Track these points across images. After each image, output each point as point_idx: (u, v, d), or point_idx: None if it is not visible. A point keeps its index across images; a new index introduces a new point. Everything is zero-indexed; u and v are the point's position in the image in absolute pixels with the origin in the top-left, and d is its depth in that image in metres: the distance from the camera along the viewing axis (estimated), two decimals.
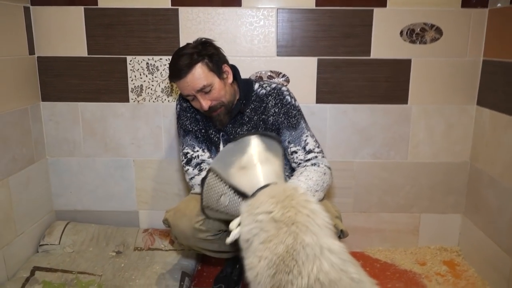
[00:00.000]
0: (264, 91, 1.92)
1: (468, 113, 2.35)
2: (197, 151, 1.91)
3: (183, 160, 1.92)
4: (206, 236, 1.79)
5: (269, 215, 1.35)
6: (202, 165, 1.88)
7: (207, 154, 1.92)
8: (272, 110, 1.88)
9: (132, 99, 2.37)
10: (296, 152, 1.84)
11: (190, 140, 1.92)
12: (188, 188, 2.22)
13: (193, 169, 1.88)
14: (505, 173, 2.04)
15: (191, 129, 1.93)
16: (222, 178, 1.54)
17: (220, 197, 1.56)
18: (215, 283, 2.09)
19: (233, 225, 1.51)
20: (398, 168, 2.43)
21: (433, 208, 2.47)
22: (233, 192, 1.53)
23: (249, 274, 1.34)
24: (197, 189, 1.88)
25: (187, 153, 1.91)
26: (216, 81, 1.78)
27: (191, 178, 1.89)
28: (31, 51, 2.28)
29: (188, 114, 1.94)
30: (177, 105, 1.98)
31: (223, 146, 1.94)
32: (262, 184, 1.46)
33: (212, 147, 1.96)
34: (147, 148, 2.44)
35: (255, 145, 1.57)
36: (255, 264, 1.32)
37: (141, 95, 2.36)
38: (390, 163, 2.42)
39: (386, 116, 2.36)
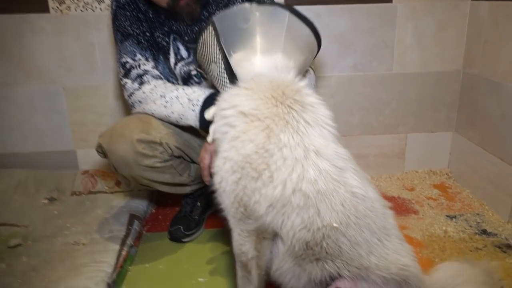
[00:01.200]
0: None
1: (461, 10, 2.00)
2: (139, 59, 1.47)
3: (120, 72, 1.49)
4: (153, 163, 1.40)
5: (235, 108, 1.04)
6: (144, 77, 1.45)
7: (151, 63, 1.49)
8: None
9: (52, 8, 1.87)
10: None
11: (130, 46, 1.48)
12: None
13: (133, 82, 1.45)
14: (509, 72, 1.72)
15: (131, 31, 1.48)
16: (221, 43, 1.17)
17: (211, 63, 1.21)
18: (172, 225, 1.72)
19: (208, 114, 1.21)
20: (382, 81, 2.08)
21: (422, 126, 2.17)
22: (223, 68, 1.17)
23: (214, 180, 1.07)
24: (139, 108, 1.46)
25: (126, 62, 1.47)
26: None
27: (131, 95, 1.46)
28: None
29: (128, 13, 1.48)
30: (112, 1, 1.51)
31: (175, 53, 1.52)
32: (253, 74, 1.11)
33: (160, 55, 1.53)
34: (79, 71, 1.97)
35: (284, 26, 1.17)
36: (220, 167, 1.04)
37: (64, 3, 1.86)
38: (373, 76, 2.07)
39: (368, 19, 1.98)
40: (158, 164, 1.41)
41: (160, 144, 1.40)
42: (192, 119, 1.36)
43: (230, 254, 1.57)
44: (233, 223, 1.09)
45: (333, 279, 1.04)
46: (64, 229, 1.64)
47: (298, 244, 1.01)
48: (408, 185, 2.12)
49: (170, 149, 1.43)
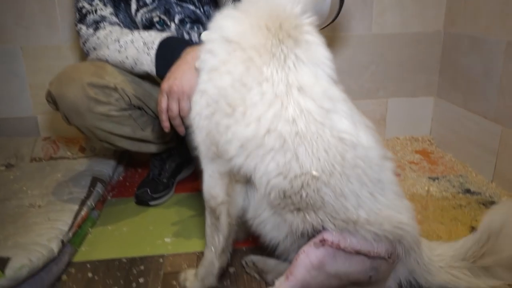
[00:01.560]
0: None
1: None
2: (96, 4, 1.35)
3: (76, 18, 1.37)
4: (108, 111, 1.28)
5: (219, 32, 0.93)
6: (100, 23, 1.33)
7: (110, 9, 1.37)
8: None
9: None
10: None
11: None
12: None
13: (88, 28, 1.33)
14: (491, 26, 1.65)
15: None
16: None
17: None
18: (139, 188, 1.61)
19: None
20: (361, 42, 2.00)
21: (402, 91, 2.09)
22: None
23: (190, 116, 0.99)
24: (92, 55, 1.34)
25: (82, 7, 1.34)
26: None
27: (85, 41, 1.34)
28: None
29: None
30: None
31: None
32: None
33: (120, 1, 1.40)
34: (38, 29, 1.83)
35: None
36: (196, 102, 0.96)
37: None
38: (351, 37, 1.98)
39: None
40: (114, 113, 1.29)
41: (115, 90, 1.28)
42: (147, 64, 1.24)
43: (200, 217, 1.47)
44: (204, 163, 0.99)
45: (317, 232, 0.94)
46: (20, 192, 1.51)
47: (274, 192, 0.91)
48: (390, 151, 2.04)
49: (128, 96, 1.31)
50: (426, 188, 1.65)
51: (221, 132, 0.90)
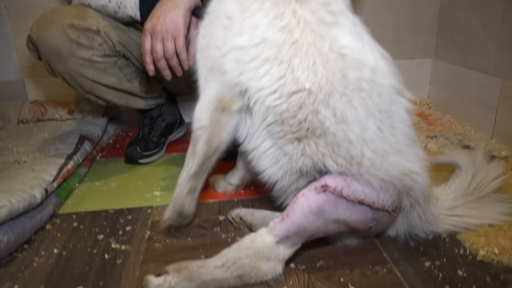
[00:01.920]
0: None
1: None
2: None
3: None
4: (91, 56, 1.23)
5: None
6: None
7: None
8: None
9: None
10: None
11: None
12: None
13: None
14: None
15: None
16: None
17: None
18: (128, 146, 1.56)
19: None
20: (356, 2, 1.93)
21: (399, 53, 2.04)
22: None
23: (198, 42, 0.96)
24: (75, 1, 1.29)
25: None
26: None
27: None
28: None
29: None
30: None
31: None
32: None
33: None
34: None
35: None
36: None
37: None
38: None
39: None
40: (98, 59, 1.24)
41: (98, 33, 1.23)
42: (131, 8, 1.19)
43: None
44: (201, 88, 0.96)
45: (318, 172, 0.88)
46: (5, 149, 1.46)
47: (270, 116, 0.86)
48: None
49: (112, 42, 1.26)
50: (424, 144, 1.61)
51: (218, 45, 0.87)
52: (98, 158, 1.58)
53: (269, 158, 0.93)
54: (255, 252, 0.86)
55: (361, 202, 0.85)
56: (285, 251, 0.88)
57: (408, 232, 1.03)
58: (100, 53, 1.24)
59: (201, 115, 0.95)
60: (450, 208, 1.05)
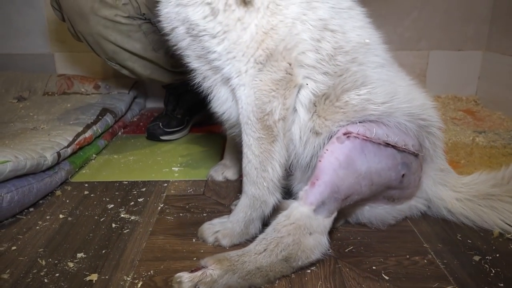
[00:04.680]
0: None
1: None
2: None
3: None
4: (115, 16, 1.17)
5: None
6: None
7: None
8: None
9: None
10: None
11: None
12: None
13: None
14: None
15: None
16: None
17: None
18: (151, 122, 1.48)
19: None
20: None
21: (447, 42, 1.88)
22: None
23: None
24: None
25: None
26: None
27: None
28: None
29: None
30: None
31: None
32: None
33: None
34: None
35: None
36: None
37: None
38: None
39: None
40: (121, 19, 1.17)
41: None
42: None
43: (212, 151, 1.34)
44: (247, 78, 0.79)
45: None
46: (26, 117, 1.43)
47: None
48: None
49: (137, 2, 1.19)
50: (471, 138, 1.45)
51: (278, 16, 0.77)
52: (120, 133, 1.52)
53: (301, 135, 0.85)
54: (296, 227, 0.76)
55: (386, 143, 0.80)
56: (325, 221, 0.78)
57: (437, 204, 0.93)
58: (124, 14, 1.17)
59: (271, 107, 0.78)
60: (472, 195, 0.91)
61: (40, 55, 1.84)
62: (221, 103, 0.85)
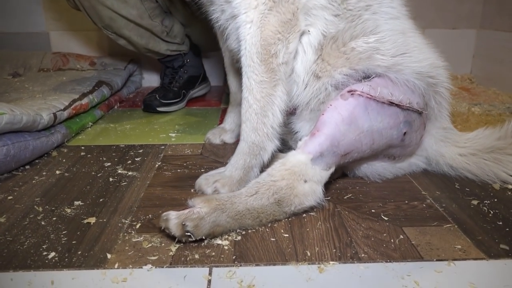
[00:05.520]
0: None
1: None
2: None
3: None
4: None
5: None
6: None
7: None
8: None
9: None
10: None
11: None
12: None
13: None
14: None
15: None
16: None
17: None
18: (148, 94, 1.48)
19: None
20: None
21: (442, 21, 1.89)
22: None
23: None
24: None
25: None
26: None
27: None
28: None
29: None
30: None
31: None
32: None
33: None
34: None
35: None
36: None
37: None
38: None
39: None
40: None
41: None
42: None
43: (208, 121, 1.33)
44: (260, 11, 0.78)
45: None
46: (21, 88, 1.41)
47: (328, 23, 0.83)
48: None
49: None
50: (467, 108, 1.46)
51: None
52: (116, 107, 1.51)
53: (304, 77, 0.84)
54: (290, 172, 0.74)
55: (390, 102, 0.80)
56: (322, 172, 0.76)
57: (437, 161, 0.93)
58: None
59: (276, 48, 0.78)
60: (488, 149, 0.91)
61: (35, 33, 1.83)
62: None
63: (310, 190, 0.74)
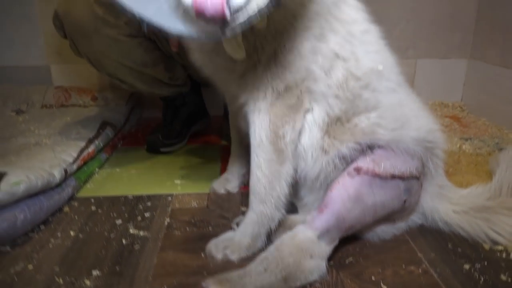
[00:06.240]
0: None
1: None
2: None
3: None
4: (117, 34, 1.19)
5: None
6: None
7: None
8: None
9: None
10: None
11: None
12: None
13: None
14: None
15: None
16: None
17: None
18: (150, 134, 1.52)
19: None
20: None
21: (434, 51, 1.96)
22: None
23: None
24: None
25: None
26: None
27: None
28: None
29: None
30: None
31: None
32: None
33: None
34: None
35: None
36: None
37: None
38: None
39: None
40: (123, 38, 1.20)
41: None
42: None
43: (212, 164, 1.38)
44: (263, 105, 0.84)
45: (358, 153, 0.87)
46: (27, 131, 1.45)
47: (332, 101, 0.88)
48: None
49: (138, 21, 1.22)
50: (458, 145, 1.52)
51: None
52: (119, 146, 1.56)
53: (312, 152, 0.89)
54: (298, 249, 0.80)
55: (393, 176, 0.85)
56: (326, 248, 0.83)
57: (433, 217, 0.99)
58: (126, 32, 1.20)
59: (284, 131, 0.84)
60: (470, 208, 0.97)
61: (36, 67, 1.86)
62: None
63: (315, 266, 0.80)
